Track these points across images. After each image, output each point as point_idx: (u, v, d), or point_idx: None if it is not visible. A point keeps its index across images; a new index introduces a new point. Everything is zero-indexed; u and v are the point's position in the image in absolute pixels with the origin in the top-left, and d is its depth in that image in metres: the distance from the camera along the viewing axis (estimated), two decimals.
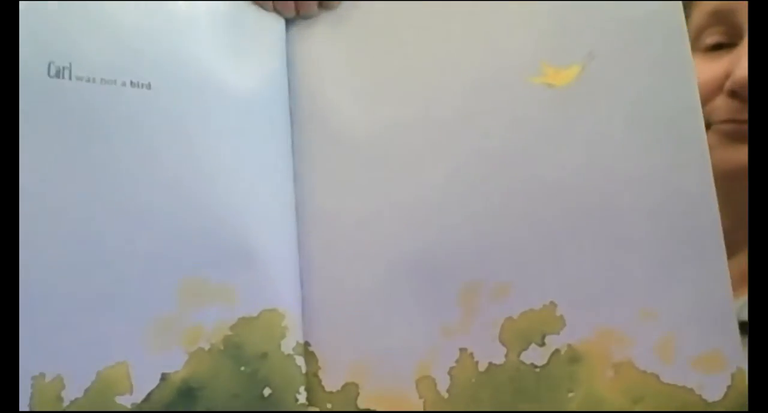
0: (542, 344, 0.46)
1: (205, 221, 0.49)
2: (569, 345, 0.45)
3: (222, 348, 0.48)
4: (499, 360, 0.47)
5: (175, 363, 0.47)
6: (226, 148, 0.50)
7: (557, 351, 0.46)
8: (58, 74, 0.47)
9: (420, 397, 0.48)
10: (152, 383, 0.46)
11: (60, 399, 0.44)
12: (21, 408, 0.43)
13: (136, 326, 0.46)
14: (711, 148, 0.51)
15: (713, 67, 0.56)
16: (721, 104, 0.56)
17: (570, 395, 0.45)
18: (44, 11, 0.47)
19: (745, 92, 0.54)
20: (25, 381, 0.43)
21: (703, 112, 0.50)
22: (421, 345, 0.48)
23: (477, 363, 0.47)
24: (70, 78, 0.47)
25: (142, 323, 0.47)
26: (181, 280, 0.48)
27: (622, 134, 0.46)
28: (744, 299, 0.56)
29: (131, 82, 0.49)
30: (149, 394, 0.46)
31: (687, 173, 0.45)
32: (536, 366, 0.46)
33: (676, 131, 0.45)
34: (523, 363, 0.46)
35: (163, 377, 0.47)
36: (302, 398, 0.49)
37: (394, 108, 0.51)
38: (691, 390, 0.44)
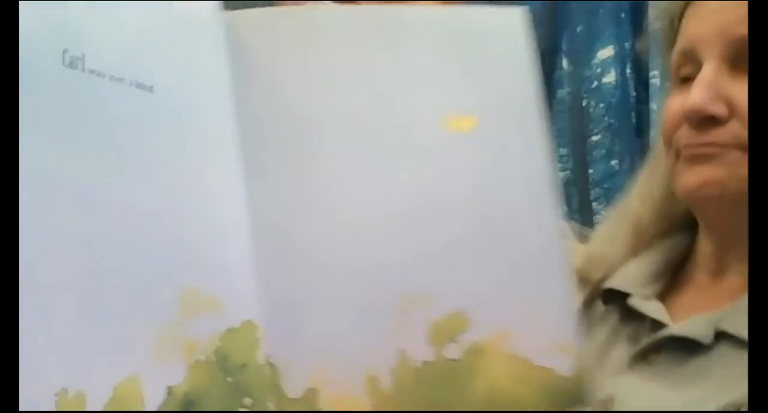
0: (456, 341, 0.56)
1: (198, 229, 0.50)
2: (474, 342, 0.56)
3: (214, 359, 0.49)
4: (430, 357, 0.55)
5: (178, 375, 0.48)
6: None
7: (467, 347, 0.56)
8: (72, 64, 0.46)
9: (369, 396, 0.54)
10: (160, 396, 0.47)
11: None
12: None
13: (144, 337, 0.47)
14: (680, 172, 0.62)
15: (680, 100, 0.62)
16: (683, 131, 0.61)
17: (477, 383, 0.56)
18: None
19: (694, 118, 0.59)
20: (50, 397, 0.42)
21: (672, 141, 0.62)
22: (367, 350, 0.54)
23: (413, 361, 0.55)
24: (83, 70, 0.46)
25: (149, 334, 0.47)
26: (182, 290, 0.49)
27: (500, 175, 0.59)
28: (723, 311, 0.60)
29: (137, 83, 0.49)
30: (159, 408, 0.47)
31: (538, 209, 0.59)
32: (454, 361, 0.56)
33: (532, 172, 0.59)
34: (446, 358, 0.56)
35: (169, 390, 0.47)
36: (272, 406, 0.51)
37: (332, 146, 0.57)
38: (552, 369, 0.57)
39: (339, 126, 0.57)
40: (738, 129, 0.58)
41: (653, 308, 0.64)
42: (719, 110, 0.58)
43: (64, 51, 0.45)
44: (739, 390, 0.54)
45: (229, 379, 0.50)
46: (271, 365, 0.51)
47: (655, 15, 0.70)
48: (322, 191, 0.56)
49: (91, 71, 0.47)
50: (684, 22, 0.64)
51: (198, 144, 0.52)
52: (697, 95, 0.59)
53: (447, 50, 0.59)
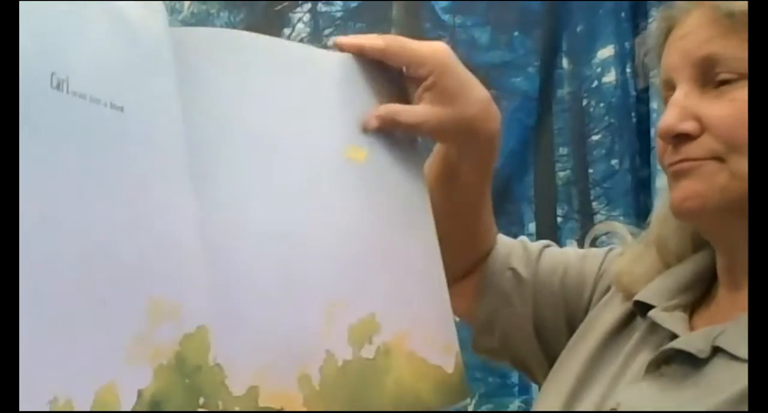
0: (371, 343, 0.64)
1: (154, 242, 0.53)
2: (384, 343, 0.64)
3: (174, 362, 0.52)
4: (349, 356, 0.63)
5: (146, 379, 0.51)
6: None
7: (378, 347, 0.64)
8: (59, 86, 0.47)
9: (300, 392, 0.59)
10: (132, 399, 0.50)
11: None
12: None
13: (119, 344, 0.50)
14: (670, 191, 0.65)
15: None
16: (667, 152, 0.65)
17: (387, 379, 0.64)
18: (46, 18, 0.47)
19: (665, 137, 0.64)
20: (44, 406, 0.46)
21: (661, 161, 0.67)
22: (299, 350, 0.60)
23: (336, 360, 0.62)
24: (67, 92, 0.48)
25: (124, 341, 0.50)
26: (149, 298, 0.52)
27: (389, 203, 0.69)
28: (726, 325, 0.62)
29: (111, 104, 0.51)
30: (132, 409, 0.50)
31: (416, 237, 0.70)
32: (368, 359, 0.64)
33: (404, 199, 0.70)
34: (362, 357, 0.63)
35: (139, 393, 0.50)
36: (222, 405, 0.55)
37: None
38: (440, 366, 0.67)
39: (269, 145, 0.62)
40: (710, 142, 0.62)
41: (671, 320, 0.66)
42: (689, 127, 0.62)
43: (52, 74, 0.47)
44: (720, 398, 0.57)
45: (186, 381, 0.53)
46: (219, 366, 0.55)
47: (642, 52, 0.74)
48: (259, 204, 0.60)
49: (74, 93, 0.48)
50: (663, 54, 0.68)
51: (154, 162, 0.54)
52: (667, 116, 0.64)
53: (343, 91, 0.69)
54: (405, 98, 0.71)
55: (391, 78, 0.71)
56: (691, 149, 0.62)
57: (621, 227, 0.81)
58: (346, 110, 0.68)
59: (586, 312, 0.76)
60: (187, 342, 0.53)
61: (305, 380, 0.60)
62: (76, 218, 0.49)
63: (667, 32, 0.67)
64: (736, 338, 0.59)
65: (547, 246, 0.82)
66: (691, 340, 0.62)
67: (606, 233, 0.88)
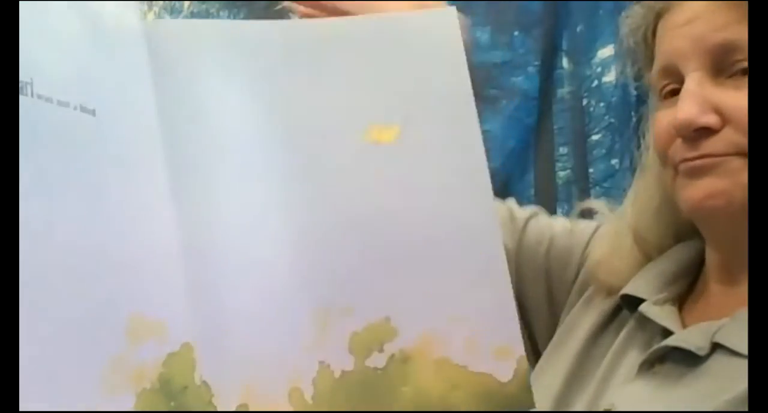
0: (381, 350, 0.57)
1: (134, 254, 0.50)
2: (401, 350, 0.57)
3: (158, 386, 0.49)
4: (350, 367, 0.56)
5: (128, 406, 0.48)
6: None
7: (392, 355, 0.57)
8: (23, 90, 0.45)
9: (291, 406, 0.55)
10: None
11: None
12: None
13: (96, 371, 0.47)
14: (681, 188, 0.61)
15: (669, 114, 0.61)
16: (677, 146, 0.60)
17: (404, 389, 0.56)
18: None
19: (685, 131, 0.59)
20: None
21: (668, 156, 0.62)
22: (289, 363, 0.56)
23: (332, 371, 0.56)
24: (31, 95, 0.45)
25: (101, 366, 0.47)
26: (128, 318, 0.49)
27: (428, 182, 0.59)
28: (723, 322, 0.59)
29: (81, 107, 0.48)
30: None
31: (473, 211, 0.58)
32: (378, 369, 0.57)
33: (465, 180, 0.58)
34: (368, 367, 0.57)
35: None
36: None
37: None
38: (490, 375, 0.57)
39: (256, 143, 0.57)
40: (733, 136, 0.58)
41: (663, 315, 0.63)
42: (711, 120, 0.58)
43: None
44: (723, 398, 0.55)
45: (172, 403, 0.50)
46: (206, 384, 0.52)
47: (625, 32, 0.69)
48: (242, 209, 0.56)
49: (39, 96, 0.46)
50: (658, 39, 0.64)
51: (129, 167, 0.51)
52: (686, 108, 0.59)
53: (367, 61, 0.59)
54: None
55: None
56: (712, 145, 0.58)
57: (602, 206, 0.77)
58: (355, 84, 0.59)
59: (569, 289, 0.74)
60: (172, 362, 0.50)
61: (296, 394, 0.55)
62: (45, 227, 0.46)
63: (658, 14, 0.64)
64: (739, 333, 0.57)
65: (534, 215, 0.79)
66: (689, 337, 0.60)
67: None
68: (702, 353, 0.59)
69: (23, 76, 0.45)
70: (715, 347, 0.59)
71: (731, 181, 0.58)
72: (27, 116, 0.45)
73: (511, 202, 0.81)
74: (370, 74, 0.59)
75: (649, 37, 0.65)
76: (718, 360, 0.58)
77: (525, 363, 0.57)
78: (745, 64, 0.58)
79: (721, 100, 0.58)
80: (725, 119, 0.58)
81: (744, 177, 0.57)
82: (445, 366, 0.57)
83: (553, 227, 0.77)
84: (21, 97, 0.45)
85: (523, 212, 0.79)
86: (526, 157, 1.68)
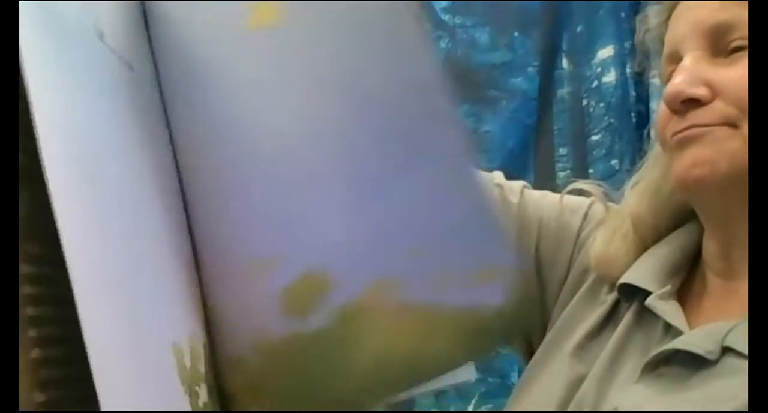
0: (319, 308, 0.45)
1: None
2: (344, 305, 0.45)
3: None
4: (285, 331, 0.46)
5: None
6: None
7: (334, 311, 0.45)
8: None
9: (237, 379, 0.47)
10: None
11: None
12: None
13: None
14: (672, 162, 0.61)
15: None
16: (671, 124, 0.61)
17: (356, 349, 0.44)
18: None
19: (674, 103, 0.59)
20: None
21: (665, 139, 0.62)
22: (226, 331, 0.47)
23: (270, 338, 0.46)
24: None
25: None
26: None
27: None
28: (732, 324, 0.58)
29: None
30: None
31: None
32: (320, 330, 0.45)
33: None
34: (308, 330, 0.45)
35: None
36: None
37: None
38: (477, 305, 0.44)
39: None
40: (723, 107, 0.58)
41: (670, 311, 0.62)
42: (700, 91, 0.59)
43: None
44: (734, 402, 0.54)
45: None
46: None
47: (642, 29, 0.70)
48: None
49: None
50: (667, 30, 0.65)
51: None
52: (676, 80, 0.60)
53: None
54: None
55: None
56: (701, 115, 0.59)
57: (593, 187, 0.76)
58: None
59: (567, 268, 0.72)
60: None
61: (240, 364, 0.47)
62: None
63: (671, 8, 0.65)
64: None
65: (522, 193, 0.77)
66: (697, 340, 0.58)
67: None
68: (712, 357, 0.57)
69: None
70: (725, 350, 0.58)
71: (716, 149, 0.58)
72: None
73: (499, 178, 0.78)
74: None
75: (663, 32, 0.66)
76: (728, 364, 0.57)
77: (516, 279, 0.47)
78: (740, 42, 0.59)
79: (713, 76, 0.59)
80: (715, 92, 0.59)
81: (730, 146, 0.57)
82: (409, 312, 0.45)
83: (541, 210, 0.76)
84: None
85: (515, 189, 0.77)
86: (526, 157, 1.68)
